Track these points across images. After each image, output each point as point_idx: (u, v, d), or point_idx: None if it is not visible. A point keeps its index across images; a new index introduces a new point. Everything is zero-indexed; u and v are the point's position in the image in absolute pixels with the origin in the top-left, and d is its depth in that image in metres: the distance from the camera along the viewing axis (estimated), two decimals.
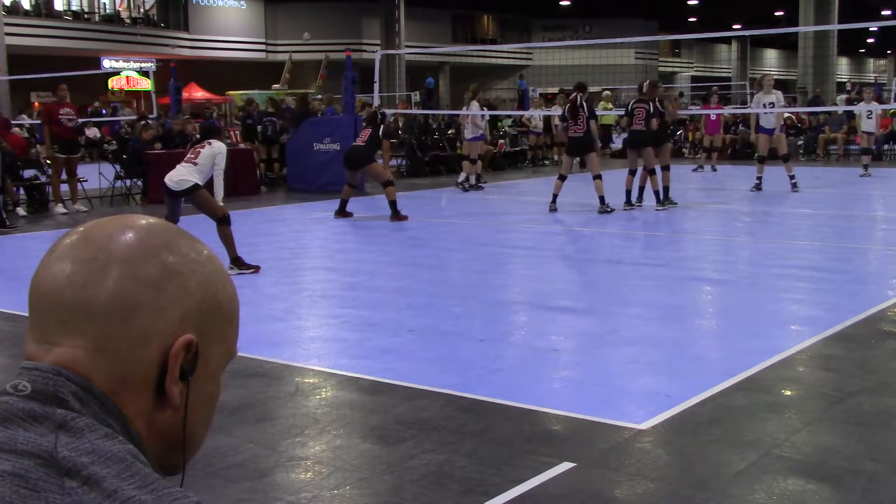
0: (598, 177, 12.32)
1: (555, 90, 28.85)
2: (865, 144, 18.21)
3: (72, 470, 0.75)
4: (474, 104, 16.23)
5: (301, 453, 4.04)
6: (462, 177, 16.16)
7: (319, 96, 23.65)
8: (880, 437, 4.12)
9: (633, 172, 12.81)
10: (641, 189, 12.94)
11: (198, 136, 8.24)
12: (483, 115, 16.50)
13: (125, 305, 0.83)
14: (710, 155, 19.94)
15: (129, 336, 0.83)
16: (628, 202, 12.75)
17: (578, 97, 12.37)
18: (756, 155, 15.58)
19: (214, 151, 8.02)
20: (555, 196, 12.62)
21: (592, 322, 6.39)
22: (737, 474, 3.72)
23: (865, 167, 17.68)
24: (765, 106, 14.70)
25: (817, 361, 5.39)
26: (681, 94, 23.29)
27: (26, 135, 18.56)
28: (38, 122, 16.39)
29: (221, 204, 8.14)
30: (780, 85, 16.28)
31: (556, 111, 19.35)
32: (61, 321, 0.83)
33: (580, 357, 5.57)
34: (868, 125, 18.15)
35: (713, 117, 19.92)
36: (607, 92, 25.39)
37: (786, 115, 15.43)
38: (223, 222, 8.05)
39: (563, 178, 12.78)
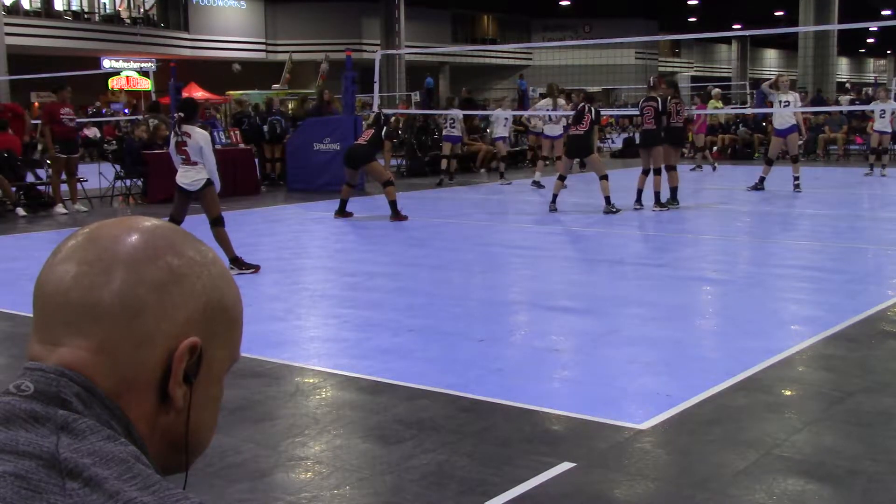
0: (604, 177, 12.32)
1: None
2: (875, 144, 18.09)
3: (73, 471, 0.75)
4: (561, 101, 16.39)
5: (301, 453, 4.04)
6: (536, 176, 16.36)
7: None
8: (880, 437, 4.13)
9: (646, 172, 12.74)
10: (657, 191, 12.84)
11: (181, 114, 8.26)
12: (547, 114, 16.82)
13: (130, 307, 0.83)
14: (706, 155, 19.99)
15: (134, 338, 0.83)
16: (638, 202, 12.70)
17: (586, 107, 12.36)
18: (763, 156, 15.58)
19: (199, 143, 8.05)
20: (555, 196, 12.62)
21: (592, 322, 6.39)
22: (737, 474, 3.72)
23: (871, 167, 17.66)
24: (781, 104, 14.69)
25: (817, 361, 5.39)
26: (692, 98, 23.28)
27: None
28: (38, 121, 16.35)
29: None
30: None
31: (556, 109, 19.46)
32: (66, 322, 0.83)
33: (580, 357, 5.57)
34: (881, 124, 18.06)
35: (695, 117, 20.02)
36: (717, 89, 25.14)
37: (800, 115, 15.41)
38: (217, 223, 8.09)
39: (562, 178, 12.77)
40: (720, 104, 22.83)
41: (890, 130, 18.23)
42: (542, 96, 17.83)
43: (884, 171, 17.57)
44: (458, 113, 17.74)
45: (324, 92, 18.48)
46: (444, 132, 17.98)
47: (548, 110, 16.49)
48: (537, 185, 16.07)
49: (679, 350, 5.63)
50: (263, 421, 4.45)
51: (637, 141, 20.13)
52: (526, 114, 17.88)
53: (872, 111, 18.97)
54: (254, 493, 3.63)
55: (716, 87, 27.71)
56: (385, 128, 12.56)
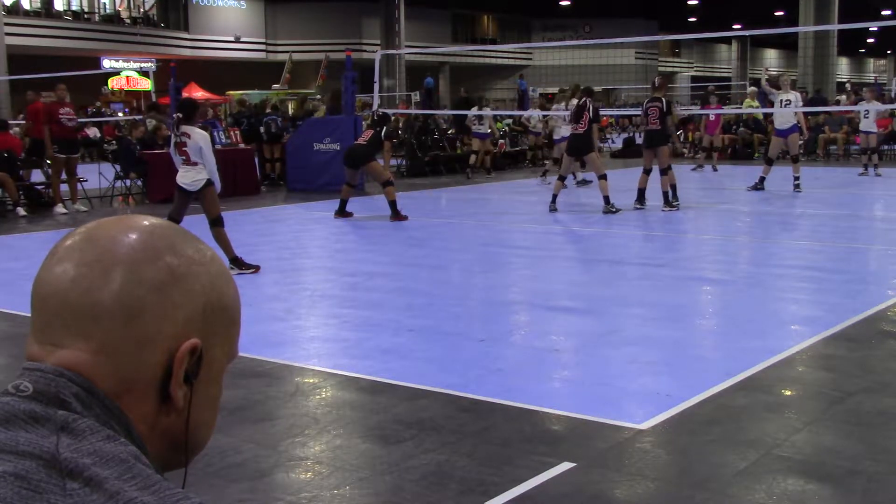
0: (602, 177, 12.33)
1: (555, 90, 28.89)
2: (864, 144, 18.20)
3: (74, 471, 0.74)
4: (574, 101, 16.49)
5: (301, 453, 4.04)
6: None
7: (319, 96, 23.61)
8: (880, 437, 4.13)
9: (648, 172, 12.74)
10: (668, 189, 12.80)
11: (179, 115, 8.26)
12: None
13: (130, 309, 0.83)
14: (711, 155, 19.96)
15: (134, 339, 0.83)
16: (640, 201, 12.69)
17: (586, 101, 12.37)
18: (763, 155, 15.55)
19: (199, 143, 8.05)
20: (554, 196, 12.61)
21: (592, 322, 6.39)
22: (737, 474, 3.72)
23: (865, 167, 17.71)
24: (781, 104, 14.68)
25: (817, 361, 5.39)
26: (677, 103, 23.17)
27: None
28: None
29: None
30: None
31: (559, 110, 19.58)
32: (65, 324, 0.83)
33: (580, 357, 5.57)
34: (866, 125, 18.14)
35: (712, 117, 19.93)
36: (753, 88, 24.79)
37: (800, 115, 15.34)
38: (216, 223, 8.08)
39: (562, 178, 12.76)
40: (756, 103, 22.36)
41: (875, 130, 18.28)
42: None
43: (877, 170, 17.58)
44: (490, 112, 19.21)
45: (338, 90, 18.56)
46: (472, 129, 19.10)
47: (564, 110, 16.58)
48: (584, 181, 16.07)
49: (679, 350, 5.63)
50: (263, 421, 4.45)
51: (637, 141, 20.16)
52: (549, 114, 18.36)
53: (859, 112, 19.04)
54: (254, 493, 3.63)
55: (751, 86, 27.36)
56: (385, 128, 12.50)
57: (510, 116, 23.90)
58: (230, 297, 0.91)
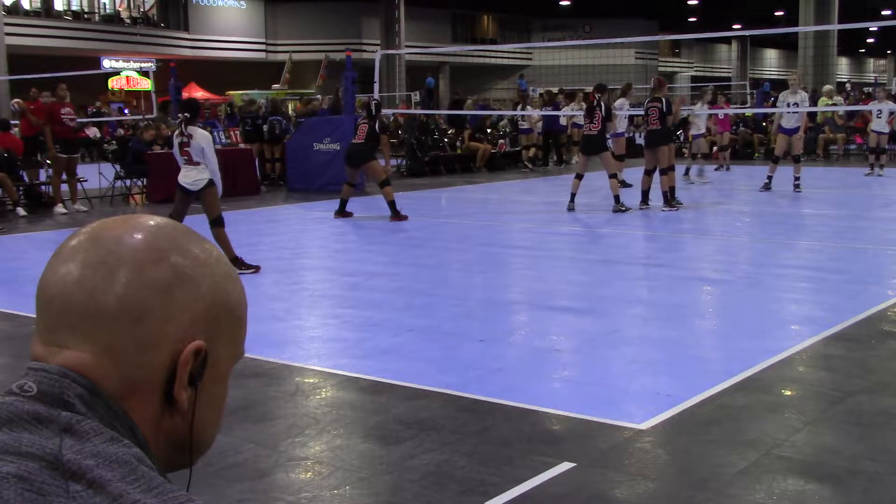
0: (613, 175, 12.35)
1: (555, 90, 28.89)
2: (874, 144, 18.08)
3: (77, 473, 0.74)
4: (623, 100, 16.37)
5: (301, 453, 4.04)
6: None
7: (319, 96, 23.61)
8: (880, 437, 4.13)
9: (649, 172, 12.75)
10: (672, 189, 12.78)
11: (187, 115, 8.26)
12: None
13: (135, 310, 0.83)
14: (716, 154, 19.92)
15: (139, 341, 0.83)
16: (644, 202, 12.70)
17: (597, 97, 12.40)
18: (763, 155, 15.52)
19: (200, 144, 8.06)
20: (573, 195, 12.59)
21: (592, 322, 6.39)
22: (737, 474, 3.72)
23: (872, 167, 17.66)
24: (788, 106, 14.67)
25: (817, 361, 5.39)
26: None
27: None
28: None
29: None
30: (783, 85, 16.09)
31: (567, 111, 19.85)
32: (70, 325, 0.83)
33: (580, 357, 5.57)
34: (878, 125, 18.05)
35: (721, 116, 19.87)
36: (829, 87, 24.03)
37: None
38: (217, 223, 8.09)
39: (580, 176, 12.75)
40: (829, 101, 20.82)
41: (887, 131, 18.20)
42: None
43: (881, 170, 17.58)
44: (532, 112, 20.60)
45: (339, 90, 18.53)
46: (518, 125, 21.31)
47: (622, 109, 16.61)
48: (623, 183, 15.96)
49: (679, 350, 5.63)
50: (263, 421, 4.45)
51: (638, 141, 20.16)
52: (562, 114, 19.15)
53: (870, 111, 18.96)
54: (254, 493, 3.63)
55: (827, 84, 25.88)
56: (377, 120, 12.22)
57: (511, 116, 23.86)
58: (236, 297, 0.91)
